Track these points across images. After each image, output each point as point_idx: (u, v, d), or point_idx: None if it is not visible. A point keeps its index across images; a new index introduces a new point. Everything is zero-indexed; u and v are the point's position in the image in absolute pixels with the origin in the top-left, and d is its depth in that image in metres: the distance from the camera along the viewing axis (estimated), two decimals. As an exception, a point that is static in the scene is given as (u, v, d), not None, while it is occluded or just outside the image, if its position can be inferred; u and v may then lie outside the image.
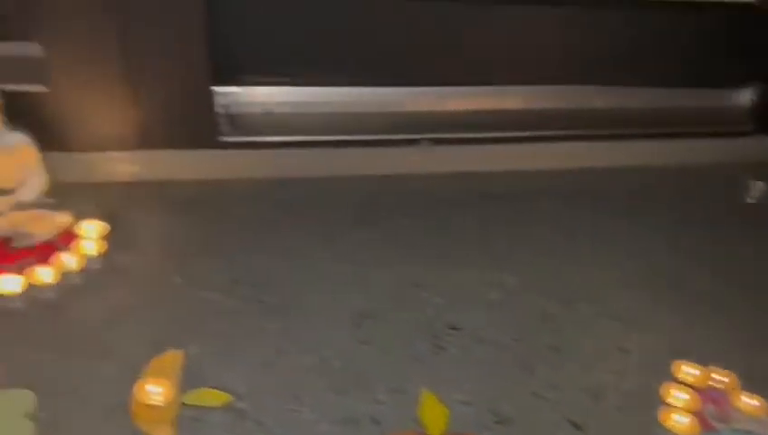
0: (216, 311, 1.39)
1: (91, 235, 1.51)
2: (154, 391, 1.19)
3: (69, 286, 1.40)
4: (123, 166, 1.65)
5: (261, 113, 1.68)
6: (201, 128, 1.63)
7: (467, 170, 1.87)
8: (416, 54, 1.72)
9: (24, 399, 1.16)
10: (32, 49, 1.47)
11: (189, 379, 1.23)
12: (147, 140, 1.62)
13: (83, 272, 1.43)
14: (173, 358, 1.29)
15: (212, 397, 1.23)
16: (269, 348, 1.32)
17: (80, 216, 1.53)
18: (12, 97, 1.43)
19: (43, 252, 1.45)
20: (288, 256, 1.54)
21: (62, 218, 1.50)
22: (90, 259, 1.46)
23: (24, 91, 1.48)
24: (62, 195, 1.54)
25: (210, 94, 1.62)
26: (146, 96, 1.57)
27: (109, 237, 1.51)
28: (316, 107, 1.71)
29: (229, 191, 1.70)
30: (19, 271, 1.39)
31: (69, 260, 1.44)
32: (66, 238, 1.49)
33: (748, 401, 1.29)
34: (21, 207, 1.48)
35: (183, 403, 1.21)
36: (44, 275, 1.40)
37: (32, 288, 1.37)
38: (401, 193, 1.78)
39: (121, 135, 1.60)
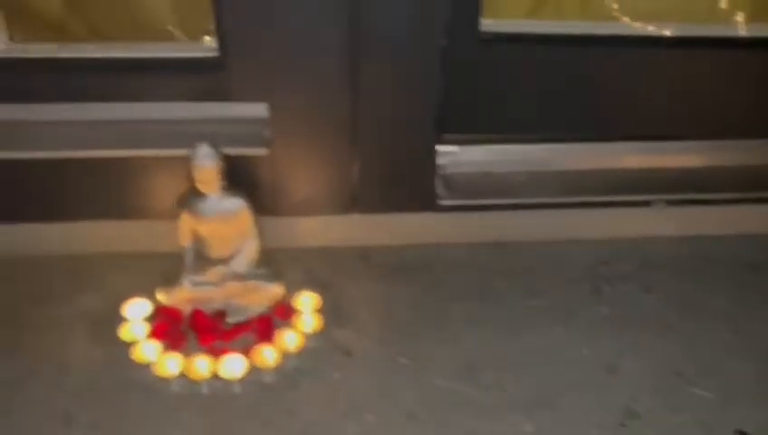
0: (457, 402, 1.21)
1: (307, 308, 1.38)
2: None
3: (292, 369, 1.27)
4: (335, 230, 1.53)
5: (479, 174, 1.53)
6: (421, 190, 1.48)
7: (708, 234, 1.61)
8: (643, 107, 1.52)
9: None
10: (258, 110, 1.38)
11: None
12: (362, 203, 1.49)
13: (304, 351, 1.29)
14: None
15: None
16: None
17: (292, 286, 1.40)
18: (229, 160, 1.32)
19: (261, 328, 1.33)
20: (523, 334, 1.35)
21: (276, 290, 1.38)
22: (308, 336, 1.34)
23: (243, 155, 1.39)
24: (272, 262, 1.42)
25: (434, 155, 1.46)
26: (367, 157, 1.44)
27: (324, 310, 1.38)
28: (535, 165, 1.53)
29: (445, 257, 1.53)
30: (239, 350, 1.28)
31: (288, 338, 1.31)
32: (281, 311, 1.37)
33: None
34: (235, 277, 1.38)
35: None
36: (266, 355, 1.28)
37: (253, 371, 1.25)
38: (635, 259, 1.55)
39: (336, 198, 1.48)
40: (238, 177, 1.36)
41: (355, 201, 1.48)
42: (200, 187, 1.30)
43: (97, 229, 1.47)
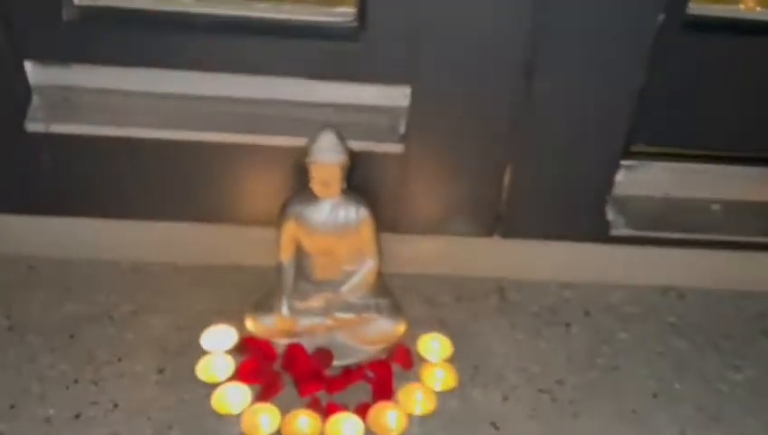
0: None
1: (435, 355, 1.06)
2: None
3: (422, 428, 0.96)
4: (469, 257, 1.20)
5: (663, 199, 1.16)
6: (588, 215, 1.13)
7: None
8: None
9: None
10: (396, 96, 1.05)
11: None
12: (506, 225, 1.15)
13: (435, 417, 0.97)
14: None
15: None
16: None
17: (414, 324, 1.09)
18: (352, 157, 1.01)
19: (378, 377, 1.02)
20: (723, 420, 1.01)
21: (398, 328, 1.06)
22: (440, 396, 1.01)
23: (370, 152, 1.07)
24: (392, 291, 1.11)
25: (613, 172, 1.12)
26: (525, 169, 1.10)
27: (457, 360, 1.06)
28: (735, 193, 1.21)
29: (607, 301, 1.18)
30: (350, 407, 0.97)
31: (415, 395, 0.99)
32: (401, 356, 1.05)
33: None
34: (345, 307, 1.06)
35: None
36: (389, 420, 0.96)
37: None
38: None
39: (475, 217, 1.15)
40: (361, 179, 1.06)
41: (498, 222, 1.16)
42: (315, 188, 1.00)
43: (172, 233, 1.16)
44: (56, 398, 0.97)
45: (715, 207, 1.17)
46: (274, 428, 0.93)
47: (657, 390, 1.05)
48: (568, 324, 1.15)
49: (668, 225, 1.15)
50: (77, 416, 0.95)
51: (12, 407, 0.95)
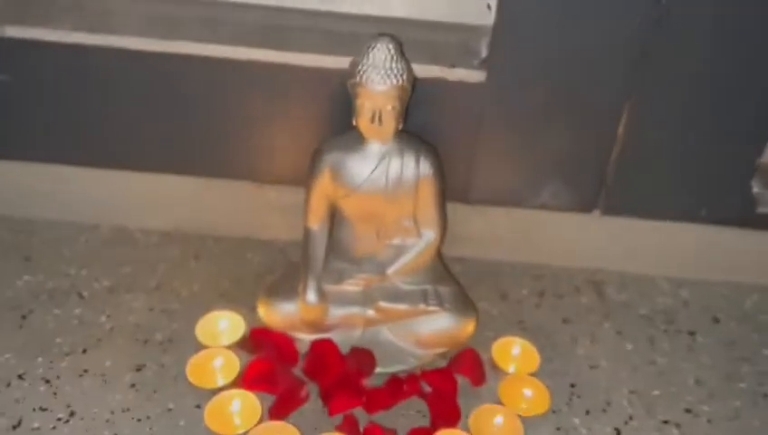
0: None
1: (517, 365, 0.77)
2: None
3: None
4: (557, 238, 0.90)
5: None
6: (722, 191, 0.84)
7: None
8: None
9: None
10: (479, 8, 0.78)
11: None
12: (610, 198, 0.85)
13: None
14: None
15: None
16: None
17: (485, 324, 0.80)
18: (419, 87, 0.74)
19: (438, 392, 0.73)
20: None
21: (466, 327, 0.77)
22: (527, 422, 0.71)
23: (441, 80, 0.77)
24: (457, 277, 0.83)
25: (763, 134, 0.81)
26: (644, 127, 0.80)
27: (545, 374, 0.76)
28: None
29: (737, 301, 0.89)
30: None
31: (491, 421, 0.69)
32: (469, 366, 0.76)
33: None
34: (393, 293, 0.78)
35: None
36: (456, 453, 0.69)
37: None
38: None
39: (572, 186, 0.85)
40: (425, 119, 0.79)
41: (601, 193, 0.86)
42: (362, 125, 0.72)
43: (166, 190, 0.89)
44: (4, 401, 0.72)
45: None
46: (294, 458, 0.66)
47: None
48: (691, 333, 0.87)
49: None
50: (15, 426, 0.68)
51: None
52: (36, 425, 0.68)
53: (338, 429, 0.69)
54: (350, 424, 0.70)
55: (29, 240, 0.91)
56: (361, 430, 0.69)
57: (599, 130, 0.83)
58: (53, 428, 0.68)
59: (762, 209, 0.83)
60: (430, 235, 0.78)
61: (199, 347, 0.77)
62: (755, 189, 0.85)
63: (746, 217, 0.86)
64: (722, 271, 0.92)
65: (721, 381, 0.79)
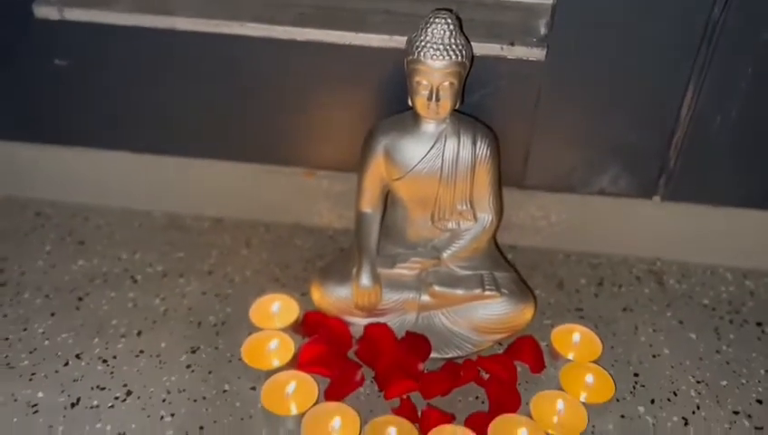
0: None
1: (578, 353, 0.74)
2: None
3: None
4: (616, 226, 0.88)
5: None
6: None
7: None
8: None
9: None
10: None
11: None
12: (676, 186, 0.83)
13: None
14: None
15: None
16: None
17: (542, 313, 0.80)
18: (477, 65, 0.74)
19: (496, 378, 0.71)
20: None
21: (524, 313, 0.74)
22: (590, 409, 0.67)
23: (500, 58, 0.75)
24: (506, 262, 0.82)
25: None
26: (709, 110, 0.76)
27: (607, 363, 0.74)
28: None
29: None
30: (457, 419, 0.67)
31: (553, 408, 0.67)
32: (528, 352, 0.74)
33: None
34: (449, 279, 0.77)
35: None
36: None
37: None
38: None
39: (632, 171, 0.82)
40: (483, 98, 0.78)
41: (662, 178, 0.82)
42: (418, 104, 0.70)
43: (219, 177, 0.89)
44: (47, 380, 0.71)
45: None
46: (351, 437, 0.65)
47: None
48: (759, 324, 0.83)
49: None
50: (74, 404, 0.69)
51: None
52: (95, 403, 0.69)
53: (394, 412, 0.68)
54: (407, 408, 0.68)
55: (84, 225, 0.92)
56: (419, 414, 0.69)
57: (661, 112, 0.80)
58: (111, 406, 0.69)
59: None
60: (486, 218, 0.77)
61: (252, 330, 0.76)
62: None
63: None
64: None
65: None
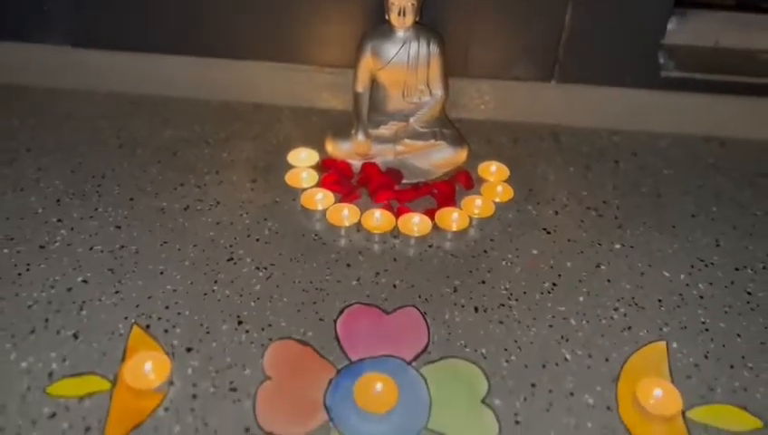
0: (682, 296, 0.99)
1: (494, 178, 1.18)
2: (656, 394, 0.85)
3: (480, 236, 1.07)
4: (526, 102, 1.31)
5: (708, 47, 1.27)
6: (640, 62, 1.23)
7: None
8: None
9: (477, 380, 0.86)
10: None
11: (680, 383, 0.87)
12: (565, 72, 1.26)
13: (493, 220, 1.10)
14: (656, 352, 0.95)
15: (734, 417, 0.87)
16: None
17: (475, 157, 1.21)
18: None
19: (442, 192, 1.15)
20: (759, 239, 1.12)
21: (460, 154, 1.18)
22: (498, 206, 1.14)
23: None
24: (454, 124, 1.23)
25: (663, 22, 1.22)
26: (582, 18, 1.19)
27: (514, 184, 1.17)
28: None
29: (655, 146, 1.29)
30: (419, 211, 1.10)
31: (475, 203, 1.11)
32: (464, 179, 1.18)
33: None
34: (414, 134, 1.19)
35: (690, 419, 0.86)
36: (452, 218, 1.09)
37: (436, 232, 1.07)
38: None
39: (535, 62, 1.26)
40: (433, 16, 1.17)
41: (556, 67, 1.26)
42: (392, 17, 1.11)
43: (256, 73, 1.31)
44: (167, 195, 1.13)
45: (764, 56, 1.26)
46: (355, 220, 1.08)
47: (696, 211, 1.16)
48: (616, 161, 1.26)
49: (716, 68, 1.24)
50: (186, 208, 1.11)
51: (131, 199, 1.12)
52: (198, 207, 1.11)
53: (383, 209, 1.12)
54: (388, 207, 1.12)
55: (166, 107, 1.33)
56: (395, 210, 1.12)
57: (552, 20, 1.22)
58: (209, 209, 1.11)
59: (664, 74, 1.22)
60: (438, 93, 1.18)
61: (289, 168, 1.18)
62: (661, 60, 1.23)
63: (656, 81, 1.25)
64: (644, 122, 1.32)
65: (629, 187, 1.20)
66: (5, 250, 1.00)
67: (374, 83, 1.19)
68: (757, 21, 1.26)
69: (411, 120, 1.19)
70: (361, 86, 1.20)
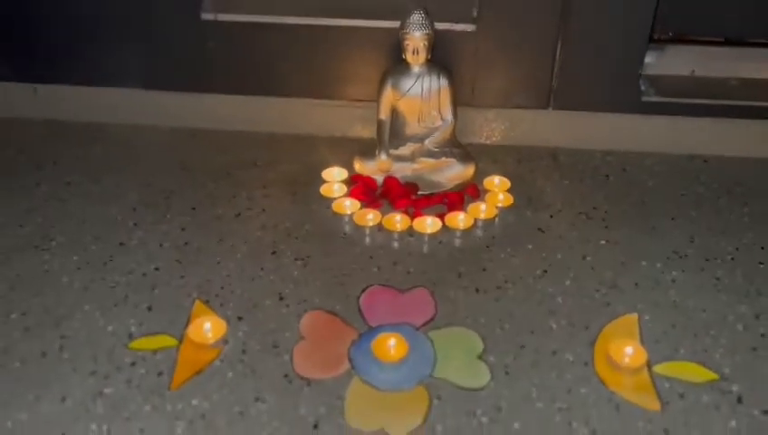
0: (657, 280, 1.15)
1: (497, 189, 1.38)
2: (626, 351, 1.00)
3: (483, 233, 1.26)
4: (527, 127, 1.51)
5: (685, 75, 1.45)
6: (625, 89, 1.42)
7: None
8: None
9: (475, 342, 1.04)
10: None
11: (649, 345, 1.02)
12: (560, 100, 1.45)
13: (496, 221, 1.29)
14: (629, 321, 1.10)
15: (694, 372, 1.01)
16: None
17: (481, 173, 1.41)
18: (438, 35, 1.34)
19: (452, 200, 1.34)
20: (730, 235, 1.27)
21: (468, 170, 1.38)
22: (500, 210, 1.32)
23: (450, 30, 1.39)
24: (463, 146, 1.43)
25: (644, 52, 1.40)
26: (572, 49, 1.39)
27: (515, 194, 1.36)
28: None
29: (639, 161, 1.47)
30: (432, 215, 1.30)
31: (480, 208, 1.31)
32: (471, 190, 1.37)
33: None
34: (428, 153, 1.40)
35: (656, 372, 1.00)
36: (459, 219, 1.28)
37: (446, 231, 1.26)
38: None
39: (532, 91, 1.46)
40: (442, 54, 1.39)
41: (552, 95, 1.45)
42: (408, 57, 1.34)
43: (297, 108, 1.55)
44: (222, 205, 1.35)
45: (734, 82, 1.43)
46: (377, 221, 1.28)
47: (676, 215, 1.32)
48: (607, 176, 1.44)
49: (693, 93, 1.42)
50: (237, 214, 1.33)
51: (193, 208, 1.34)
52: (248, 214, 1.32)
53: (401, 213, 1.31)
54: (405, 212, 1.32)
55: (221, 139, 1.55)
56: (411, 214, 1.31)
57: (545, 54, 1.42)
58: (257, 216, 1.31)
59: (645, 99, 1.40)
60: (449, 119, 1.40)
61: (323, 183, 1.40)
62: (642, 87, 1.41)
63: (639, 105, 1.44)
64: (632, 143, 1.50)
65: (618, 195, 1.36)
66: (93, 247, 1.24)
67: (394, 112, 1.41)
68: (728, 53, 1.45)
69: (426, 142, 1.40)
70: (384, 114, 1.41)
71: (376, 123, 1.41)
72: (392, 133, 1.41)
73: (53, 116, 1.62)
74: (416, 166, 1.40)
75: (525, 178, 1.43)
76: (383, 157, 1.39)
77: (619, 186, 1.41)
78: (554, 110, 1.48)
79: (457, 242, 1.26)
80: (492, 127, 1.53)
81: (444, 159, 1.39)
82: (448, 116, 1.39)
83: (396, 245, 1.25)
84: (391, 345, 1.01)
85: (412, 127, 1.40)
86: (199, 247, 1.24)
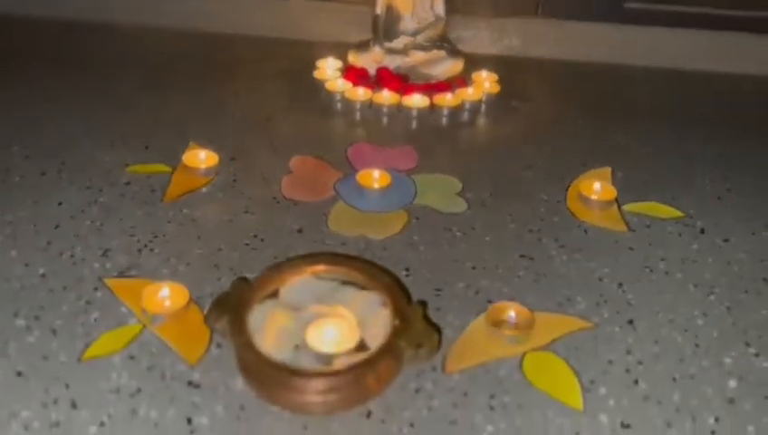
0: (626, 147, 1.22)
1: (484, 80, 1.43)
2: (595, 187, 1.05)
3: (469, 110, 1.33)
4: (515, 37, 1.59)
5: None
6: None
7: None
8: None
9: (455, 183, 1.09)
10: None
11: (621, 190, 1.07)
12: (546, 7, 1.54)
13: (481, 103, 1.35)
14: (602, 173, 1.14)
15: (661, 210, 1.05)
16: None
17: (469, 70, 1.46)
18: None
19: (441, 87, 1.39)
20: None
21: (457, 63, 1.44)
22: (486, 95, 1.38)
23: None
24: (453, 42, 1.50)
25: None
26: None
27: (501, 86, 1.41)
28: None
29: (623, 74, 1.54)
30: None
31: (467, 90, 1.37)
32: (460, 82, 1.42)
33: None
34: (420, 47, 1.45)
35: (625, 210, 1.05)
36: (446, 97, 1.34)
37: (434, 110, 1.31)
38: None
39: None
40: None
41: (540, 2, 1.54)
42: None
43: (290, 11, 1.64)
44: (223, 87, 1.40)
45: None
46: (368, 97, 1.33)
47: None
48: (590, 87, 1.51)
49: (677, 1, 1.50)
50: (236, 93, 1.38)
51: (195, 84, 1.40)
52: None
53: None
54: (396, 92, 1.36)
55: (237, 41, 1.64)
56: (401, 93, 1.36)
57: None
58: (261, 90, 1.37)
59: (626, 5, 1.47)
60: (441, 17, 1.46)
61: (319, 80, 1.45)
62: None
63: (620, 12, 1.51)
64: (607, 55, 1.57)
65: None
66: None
67: (389, 7, 1.47)
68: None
69: (418, 36, 1.47)
70: (380, 9, 1.48)
71: (372, 19, 1.49)
72: (386, 27, 1.47)
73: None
74: (408, 59, 1.45)
75: (513, 76, 1.48)
76: (377, 49, 1.45)
77: (599, 93, 1.47)
78: (543, 18, 1.56)
79: (444, 117, 1.32)
80: (483, 38, 1.60)
81: (435, 51, 1.46)
82: (440, 11, 1.46)
83: (385, 118, 1.31)
84: (376, 176, 1.06)
85: (405, 21, 1.46)
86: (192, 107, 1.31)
